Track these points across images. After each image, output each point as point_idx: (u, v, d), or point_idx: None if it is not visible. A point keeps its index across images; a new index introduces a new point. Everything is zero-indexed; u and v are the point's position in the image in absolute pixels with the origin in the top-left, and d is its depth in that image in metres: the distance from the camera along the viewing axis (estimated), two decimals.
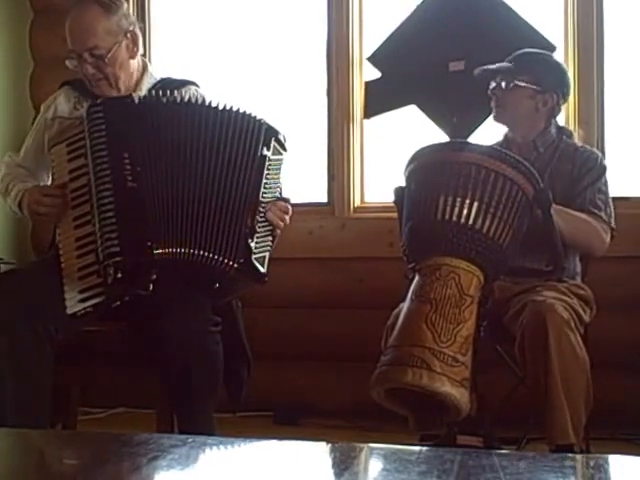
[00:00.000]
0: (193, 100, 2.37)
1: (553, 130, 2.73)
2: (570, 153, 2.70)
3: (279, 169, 2.40)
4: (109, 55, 2.42)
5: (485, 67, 2.79)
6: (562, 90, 2.71)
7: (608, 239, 2.62)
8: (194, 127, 2.30)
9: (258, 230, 2.30)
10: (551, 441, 2.28)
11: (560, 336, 2.27)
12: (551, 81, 2.70)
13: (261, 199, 2.32)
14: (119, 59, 2.45)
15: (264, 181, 2.33)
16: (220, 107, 2.34)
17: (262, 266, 2.30)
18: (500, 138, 2.82)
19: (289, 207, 2.40)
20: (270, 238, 2.36)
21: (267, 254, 2.33)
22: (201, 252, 2.22)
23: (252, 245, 2.27)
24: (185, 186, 2.26)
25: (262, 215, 2.32)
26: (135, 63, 2.53)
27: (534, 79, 2.67)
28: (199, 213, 2.25)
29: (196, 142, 2.29)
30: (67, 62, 2.46)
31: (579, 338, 2.33)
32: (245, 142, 2.33)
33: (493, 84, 2.73)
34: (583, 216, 2.58)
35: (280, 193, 2.41)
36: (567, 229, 2.49)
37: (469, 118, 3.23)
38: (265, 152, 2.34)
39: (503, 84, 2.70)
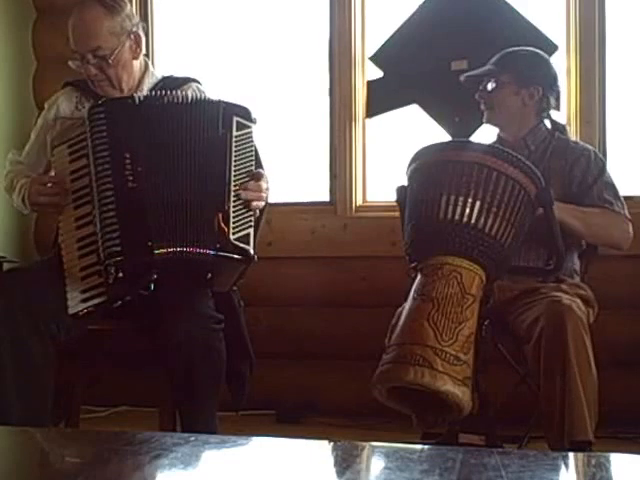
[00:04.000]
0: (191, 99, 2.36)
1: (545, 127, 2.73)
2: (562, 148, 2.70)
3: (248, 142, 2.35)
4: (112, 56, 2.42)
5: (469, 73, 2.82)
6: (546, 82, 2.71)
7: (631, 229, 2.60)
8: (184, 126, 2.30)
9: (234, 209, 2.26)
10: (570, 436, 2.23)
11: (577, 337, 2.26)
12: (533, 74, 2.70)
13: (232, 177, 2.28)
14: (122, 60, 2.45)
15: (231, 159, 2.29)
16: (181, 102, 2.33)
17: (247, 244, 2.25)
18: (494, 139, 2.82)
19: (262, 185, 2.32)
20: (251, 213, 2.30)
21: (250, 230, 2.28)
22: (186, 248, 2.21)
23: (229, 227, 2.23)
24: (174, 184, 2.25)
25: (236, 194, 2.28)
26: (137, 63, 2.53)
27: (516, 75, 2.68)
28: (182, 209, 2.24)
29: (180, 140, 2.29)
30: (70, 63, 2.45)
31: (591, 345, 2.31)
32: (205, 127, 2.31)
33: (479, 88, 2.75)
34: (596, 211, 2.57)
35: (258, 163, 2.37)
36: (583, 227, 2.49)
37: (471, 117, 3.23)
38: (224, 131, 2.31)
39: (488, 86, 2.72)
